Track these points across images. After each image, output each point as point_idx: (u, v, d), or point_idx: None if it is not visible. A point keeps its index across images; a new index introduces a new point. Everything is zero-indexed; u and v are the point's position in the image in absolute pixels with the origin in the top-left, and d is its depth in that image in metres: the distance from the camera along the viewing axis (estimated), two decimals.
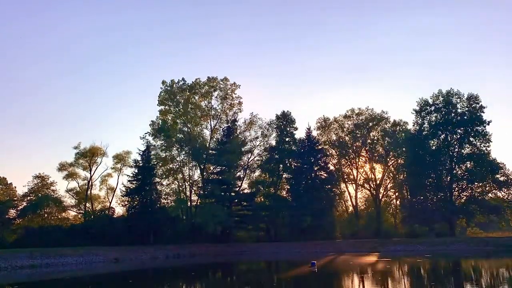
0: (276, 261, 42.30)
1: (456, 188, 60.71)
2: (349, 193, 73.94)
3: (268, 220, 66.45)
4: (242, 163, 70.44)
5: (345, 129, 72.02)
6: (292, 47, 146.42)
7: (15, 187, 77.37)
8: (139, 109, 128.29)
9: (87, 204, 66.43)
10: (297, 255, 47.46)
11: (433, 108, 61.87)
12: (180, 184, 70.41)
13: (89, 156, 65.16)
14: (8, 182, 78.47)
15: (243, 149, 68.15)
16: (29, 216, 60.59)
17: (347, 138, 71.59)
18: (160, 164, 67.30)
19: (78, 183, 66.23)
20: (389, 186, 72.22)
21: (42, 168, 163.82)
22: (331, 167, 68.38)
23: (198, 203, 68.84)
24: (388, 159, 70.21)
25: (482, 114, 58.76)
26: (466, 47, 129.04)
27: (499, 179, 57.79)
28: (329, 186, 64.29)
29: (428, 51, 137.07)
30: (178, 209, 65.99)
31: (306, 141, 65.12)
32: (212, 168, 68.82)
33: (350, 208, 74.75)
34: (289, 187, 67.91)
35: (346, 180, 72.72)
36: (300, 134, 69.78)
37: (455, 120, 59.67)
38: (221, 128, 70.99)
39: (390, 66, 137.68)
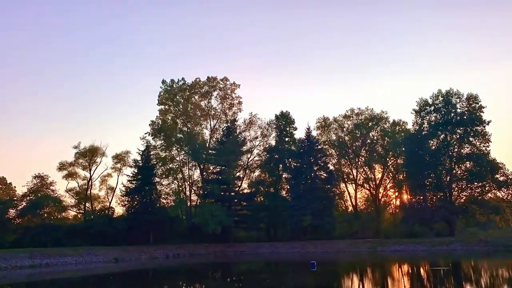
0: (276, 261, 42.31)
1: (456, 188, 60.68)
2: (348, 193, 74.04)
3: (268, 220, 66.43)
4: (242, 163, 70.46)
5: (344, 129, 72.05)
6: (292, 47, 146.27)
7: (15, 187, 77.46)
8: (139, 109, 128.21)
9: (87, 204, 66.35)
10: (297, 255, 47.50)
11: (432, 108, 61.79)
12: (180, 184, 70.46)
13: (89, 155, 65.01)
14: (8, 182, 78.54)
15: (242, 149, 68.10)
16: (29, 216, 60.45)
17: (346, 138, 71.62)
18: (160, 164, 67.28)
19: (78, 183, 66.07)
20: (388, 186, 72.29)
21: (42, 168, 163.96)
22: (331, 167, 68.32)
23: (198, 203, 68.88)
24: (387, 159, 70.22)
25: (481, 114, 58.73)
26: (466, 47, 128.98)
27: (499, 179, 57.76)
28: (328, 186, 64.24)
29: (428, 51, 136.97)
30: (178, 209, 66.02)
31: (305, 141, 65.08)
32: (211, 168, 68.85)
33: (350, 208, 74.78)
34: (288, 187, 67.88)
35: (346, 180, 72.73)
36: (299, 134, 69.89)
37: (454, 120, 59.59)
38: (221, 128, 71.04)
39: (390, 66, 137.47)
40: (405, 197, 67.71)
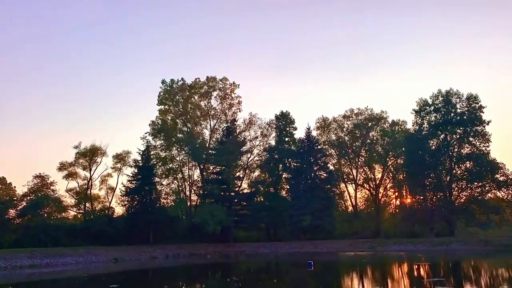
0: (276, 261, 42.32)
1: (456, 188, 60.61)
2: (348, 193, 74.17)
3: (268, 220, 66.42)
4: (242, 163, 70.48)
5: (344, 129, 72.10)
6: (291, 47, 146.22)
7: (15, 187, 77.56)
8: (139, 109, 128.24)
9: (87, 204, 66.39)
10: (297, 255, 47.49)
11: (432, 108, 61.75)
12: (180, 184, 70.58)
13: (89, 155, 65.05)
14: (8, 182, 78.60)
15: (242, 149, 68.13)
16: (29, 216, 60.46)
17: (346, 138, 71.67)
18: (160, 164, 67.36)
19: (78, 183, 66.10)
20: (388, 186, 72.32)
21: (42, 168, 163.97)
22: (331, 167, 68.41)
23: (198, 203, 68.98)
24: (387, 159, 70.25)
25: (481, 114, 58.72)
26: (466, 47, 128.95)
27: (499, 179, 57.72)
28: (328, 186, 64.29)
29: (427, 50, 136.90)
30: (178, 209, 66.00)
31: (305, 141, 65.11)
32: (211, 168, 68.92)
33: (350, 208, 74.88)
34: (288, 187, 67.93)
35: (346, 180, 72.80)
36: (299, 134, 69.88)
37: (454, 120, 59.54)
38: (221, 128, 71.10)
39: (390, 66, 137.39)
40: (405, 197, 67.73)
